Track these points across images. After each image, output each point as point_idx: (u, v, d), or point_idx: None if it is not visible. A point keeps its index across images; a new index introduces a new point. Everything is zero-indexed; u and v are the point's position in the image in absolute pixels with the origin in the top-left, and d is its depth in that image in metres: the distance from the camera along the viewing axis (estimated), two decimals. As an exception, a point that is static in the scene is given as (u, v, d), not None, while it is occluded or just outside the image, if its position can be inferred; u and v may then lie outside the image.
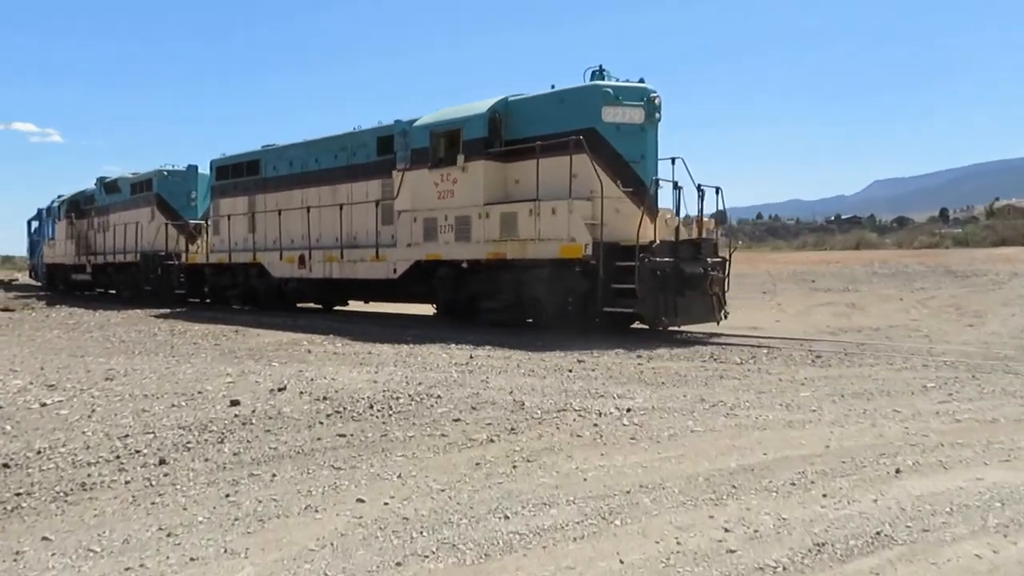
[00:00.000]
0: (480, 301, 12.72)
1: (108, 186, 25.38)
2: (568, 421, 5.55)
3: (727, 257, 11.74)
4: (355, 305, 17.68)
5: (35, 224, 35.57)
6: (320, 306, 18.30)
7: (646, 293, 10.38)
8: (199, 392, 6.96)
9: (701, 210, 11.77)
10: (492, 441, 5.04)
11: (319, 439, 5.16)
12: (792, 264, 28.94)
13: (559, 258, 11.03)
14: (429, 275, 13.38)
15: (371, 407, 6.06)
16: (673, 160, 11.53)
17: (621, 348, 9.70)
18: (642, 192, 11.11)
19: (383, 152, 14.51)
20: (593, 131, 11.18)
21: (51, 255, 30.93)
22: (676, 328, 11.09)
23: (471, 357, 9.00)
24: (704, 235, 11.73)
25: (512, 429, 5.33)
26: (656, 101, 11.49)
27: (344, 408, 6.04)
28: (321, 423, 5.63)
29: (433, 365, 8.42)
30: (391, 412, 5.91)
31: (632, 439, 5.04)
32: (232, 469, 4.53)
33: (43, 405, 6.65)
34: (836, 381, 7.09)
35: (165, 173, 22.30)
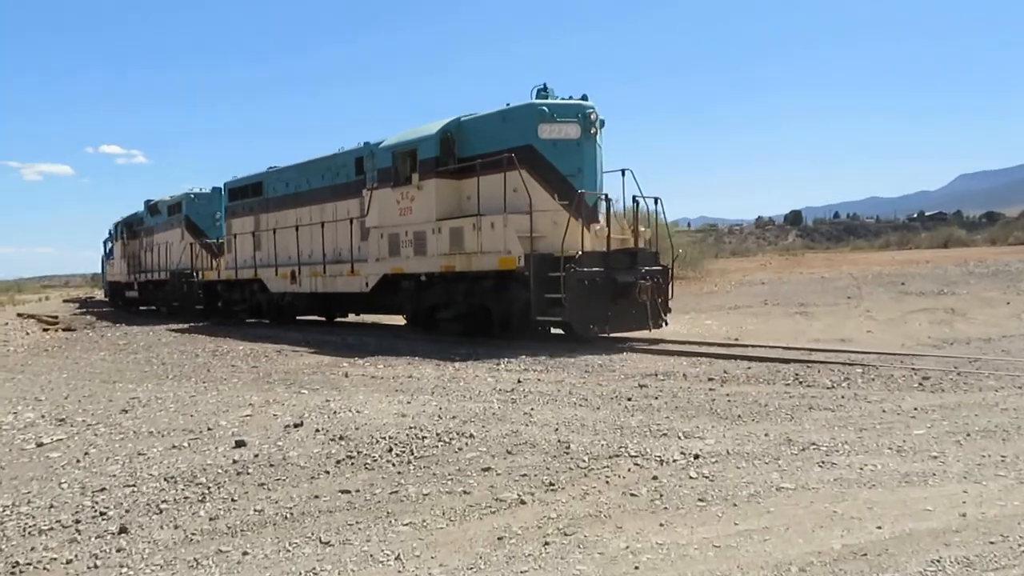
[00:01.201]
0: (438, 311, 13.22)
1: (151, 208, 26.51)
2: (621, 472, 4.51)
3: (669, 266, 12.12)
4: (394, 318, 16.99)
5: (109, 244, 36.72)
6: (323, 318, 18.59)
7: (574, 302, 10.61)
8: (209, 429, 6.24)
9: (636, 220, 12.17)
10: (523, 502, 4.05)
11: (316, 496, 4.28)
12: (876, 265, 26.92)
13: (499, 269, 11.42)
14: (396, 288, 13.94)
15: (390, 450, 5.17)
16: (623, 172, 11.79)
17: (689, 363, 8.57)
18: (578, 205, 11.14)
19: (360, 172, 14.97)
20: (530, 147, 11.57)
21: (111, 273, 32.10)
22: (606, 335, 11.23)
23: (519, 381, 8.04)
24: (641, 245, 12.04)
25: (551, 483, 4.34)
26: (592, 117, 11.76)
27: (359, 451, 5.17)
28: (327, 472, 4.77)
29: (475, 392, 7.49)
30: (412, 457, 5.00)
31: (701, 500, 3.98)
32: (199, 543, 3.69)
33: (39, 445, 6.05)
34: (955, 412, 5.80)
35: (192, 196, 23.42)
